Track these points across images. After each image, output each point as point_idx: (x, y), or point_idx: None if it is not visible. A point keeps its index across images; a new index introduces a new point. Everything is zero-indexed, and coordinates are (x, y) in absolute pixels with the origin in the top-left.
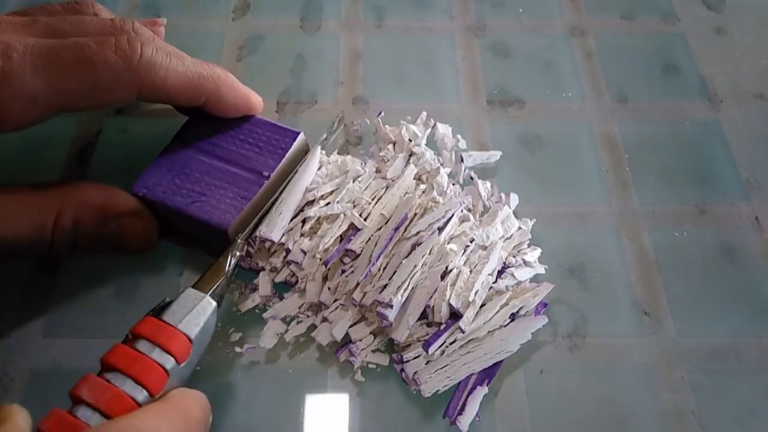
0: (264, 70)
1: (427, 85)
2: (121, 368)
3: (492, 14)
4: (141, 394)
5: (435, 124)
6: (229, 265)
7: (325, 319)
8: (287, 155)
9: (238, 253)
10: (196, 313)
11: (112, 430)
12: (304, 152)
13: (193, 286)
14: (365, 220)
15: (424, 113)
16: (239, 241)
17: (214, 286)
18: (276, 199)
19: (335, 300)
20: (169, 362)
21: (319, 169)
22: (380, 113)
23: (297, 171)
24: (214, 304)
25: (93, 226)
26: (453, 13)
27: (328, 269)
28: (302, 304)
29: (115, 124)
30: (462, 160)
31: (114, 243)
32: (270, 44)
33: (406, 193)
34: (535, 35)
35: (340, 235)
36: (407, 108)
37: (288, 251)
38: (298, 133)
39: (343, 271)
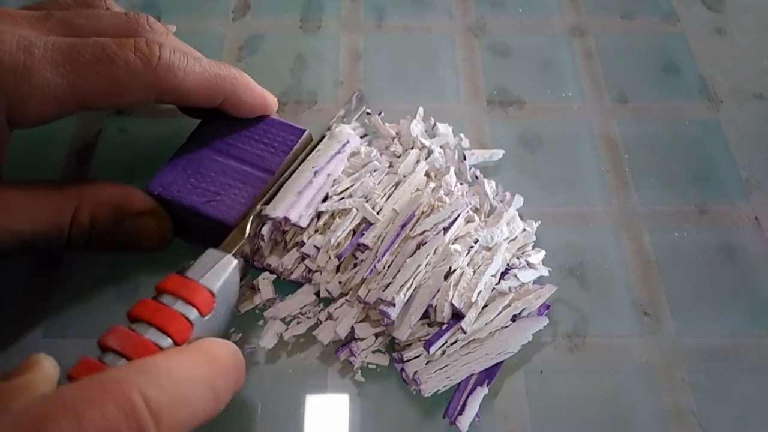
0: (264, 70)
1: (427, 85)
2: (145, 318)
3: (492, 14)
4: (165, 342)
5: (435, 124)
6: (250, 227)
7: (329, 316)
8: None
9: (265, 216)
10: (217, 269)
11: (135, 367)
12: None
13: (215, 248)
14: (377, 214)
15: (421, 108)
16: (260, 206)
17: (237, 246)
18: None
19: (343, 295)
20: (192, 313)
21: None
22: (380, 113)
23: (307, 154)
24: (235, 261)
25: (109, 224)
26: (453, 13)
27: (341, 263)
28: (305, 304)
29: (115, 124)
30: (464, 159)
31: (129, 242)
32: (270, 44)
33: (417, 189)
34: (535, 35)
35: (353, 230)
36: (407, 108)
37: (302, 244)
38: (305, 131)
39: (355, 266)
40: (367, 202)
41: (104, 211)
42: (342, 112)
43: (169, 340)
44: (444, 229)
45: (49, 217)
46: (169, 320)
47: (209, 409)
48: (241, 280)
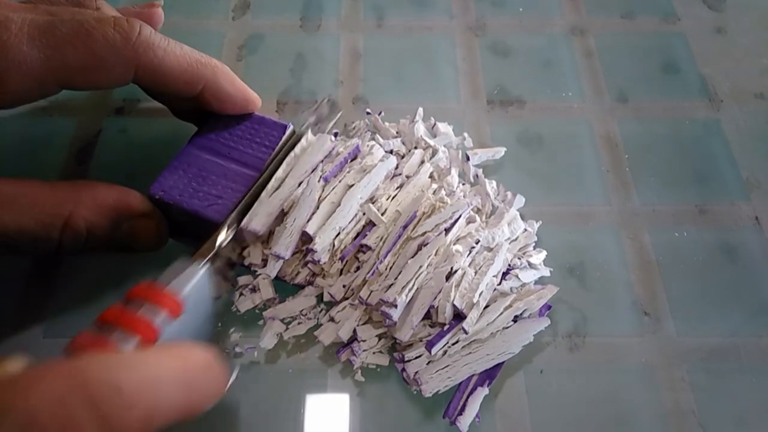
0: (264, 70)
1: (427, 85)
2: (110, 322)
3: (492, 14)
4: (131, 344)
5: (435, 124)
6: (223, 238)
7: (331, 319)
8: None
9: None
10: (185, 275)
11: (99, 359)
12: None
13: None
14: (382, 215)
15: (421, 109)
16: (233, 215)
17: (209, 255)
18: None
19: (345, 299)
20: (158, 316)
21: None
22: (380, 113)
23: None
24: (203, 269)
25: (106, 228)
26: (453, 12)
27: (344, 264)
28: (305, 307)
29: (115, 124)
30: (468, 159)
31: (125, 243)
32: (270, 44)
33: (421, 190)
34: (535, 35)
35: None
36: (407, 108)
37: (312, 251)
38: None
39: (358, 268)
40: (373, 203)
41: (101, 215)
42: (312, 119)
43: (135, 343)
44: (445, 229)
45: (37, 216)
46: (134, 324)
47: (181, 405)
48: (223, 291)
